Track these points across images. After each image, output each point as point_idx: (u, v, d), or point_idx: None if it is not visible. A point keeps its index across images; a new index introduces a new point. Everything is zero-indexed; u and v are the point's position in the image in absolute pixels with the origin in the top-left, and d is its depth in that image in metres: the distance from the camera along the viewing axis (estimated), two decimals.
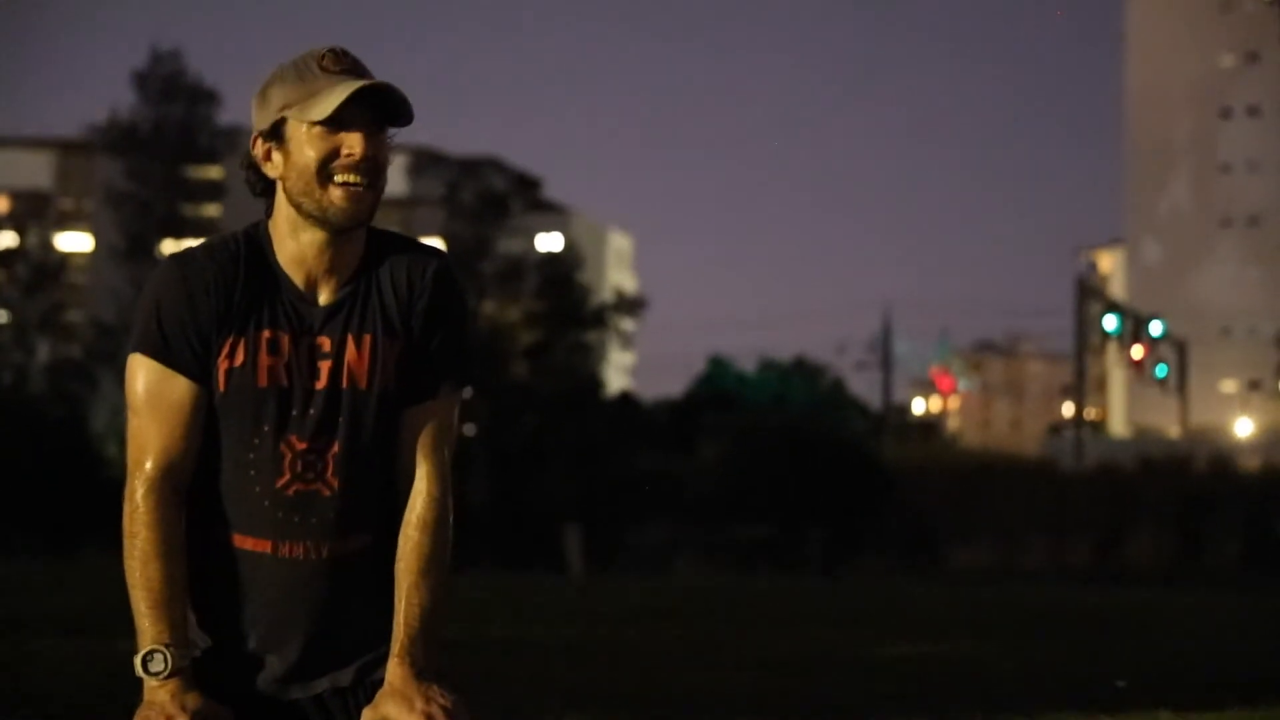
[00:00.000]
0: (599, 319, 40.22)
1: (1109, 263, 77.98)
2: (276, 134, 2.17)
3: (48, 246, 43.78)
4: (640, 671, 8.07)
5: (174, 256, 2.25)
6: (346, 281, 2.24)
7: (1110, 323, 33.12)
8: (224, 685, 2.21)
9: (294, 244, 2.21)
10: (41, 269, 39.03)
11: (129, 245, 39.92)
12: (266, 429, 2.19)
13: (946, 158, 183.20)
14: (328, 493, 2.19)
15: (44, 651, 6.93)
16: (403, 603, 2.21)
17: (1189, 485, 33.40)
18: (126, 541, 2.16)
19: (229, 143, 41.76)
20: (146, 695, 2.15)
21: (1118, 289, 68.21)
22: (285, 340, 2.19)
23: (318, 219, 2.17)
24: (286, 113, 2.16)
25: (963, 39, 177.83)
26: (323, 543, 2.20)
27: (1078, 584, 23.08)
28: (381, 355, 2.22)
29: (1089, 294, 37.63)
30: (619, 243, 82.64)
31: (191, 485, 2.21)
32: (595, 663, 8.57)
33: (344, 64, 2.15)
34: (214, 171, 48.74)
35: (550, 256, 43.14)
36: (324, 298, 2.23)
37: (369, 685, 2.24)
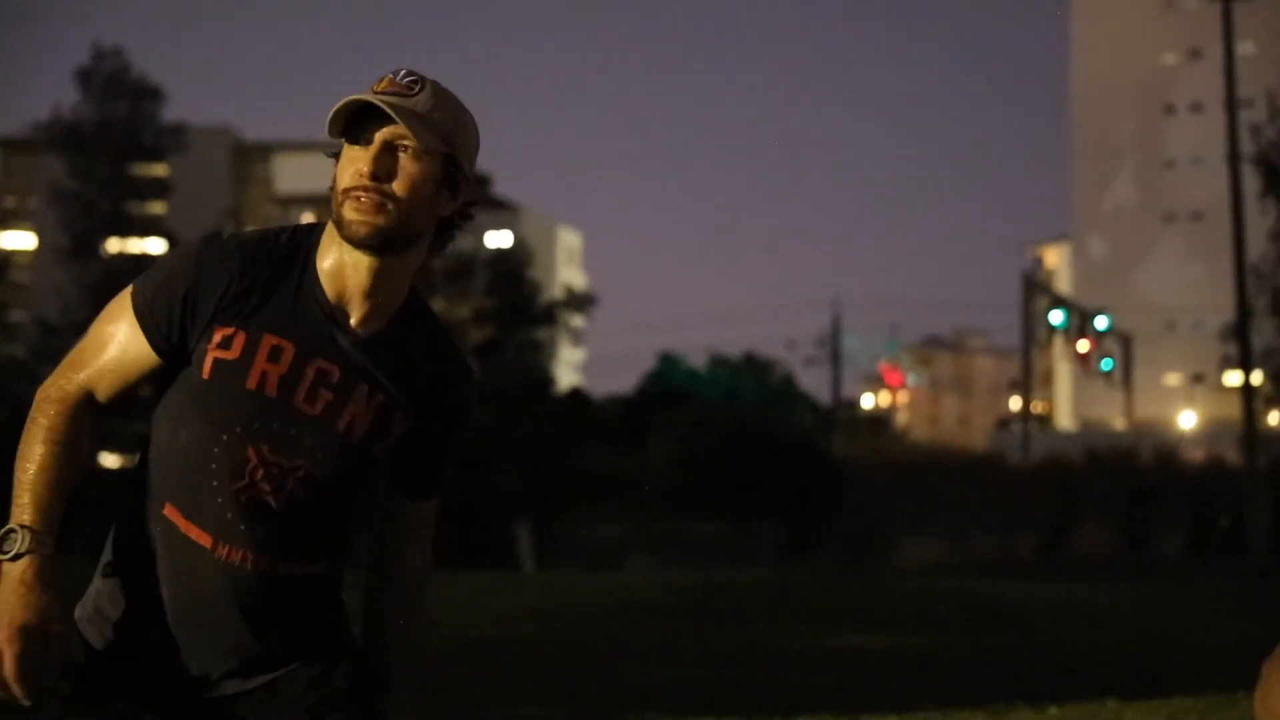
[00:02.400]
0: (549, 316, 40.12)
1: (1055, 258, 78.58)
2: (338, 157, 2.21)
3: None
4: (594, 667, 8.08)
5: (207, 237, 2.26)
6: (381, 323, 2.23)
7: (1056, 317, 33.43)
8: (137, 665, 2.19)
9: (334, 259, 2.21)
10: None
11: (73, 244, 39.45)
12: (239, 430, 2.17)
13: (894, 155, 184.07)
14: (277, 509, 2.18)
15: None
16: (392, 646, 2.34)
17: (1134, 478, 33.74)
18: (26, 427, 2.16)
19: (174, 140, 41.41)
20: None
21: (1064, 284, 68.77)
22: (289, 352, 2.18)
23: (340, 234, 2.18)
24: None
25: (909, 36, 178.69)
26: (262, 556, 2.18)
27: (1026, 577, 23.29)
28: (387, 424, 2.23)
29: (1035, 289, 37.99)
30: (568, 239, 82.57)
31: (156, 460, 2.20)
32: (547, 659, 8.58)
33: (394, 86, 2.16)
34: (159, 169, 48.25)
35: (500, 253, 42.98)
36: (353, 322, 2.22)
37: (271, 693, 2.24)
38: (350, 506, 2.27)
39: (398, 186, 2.15)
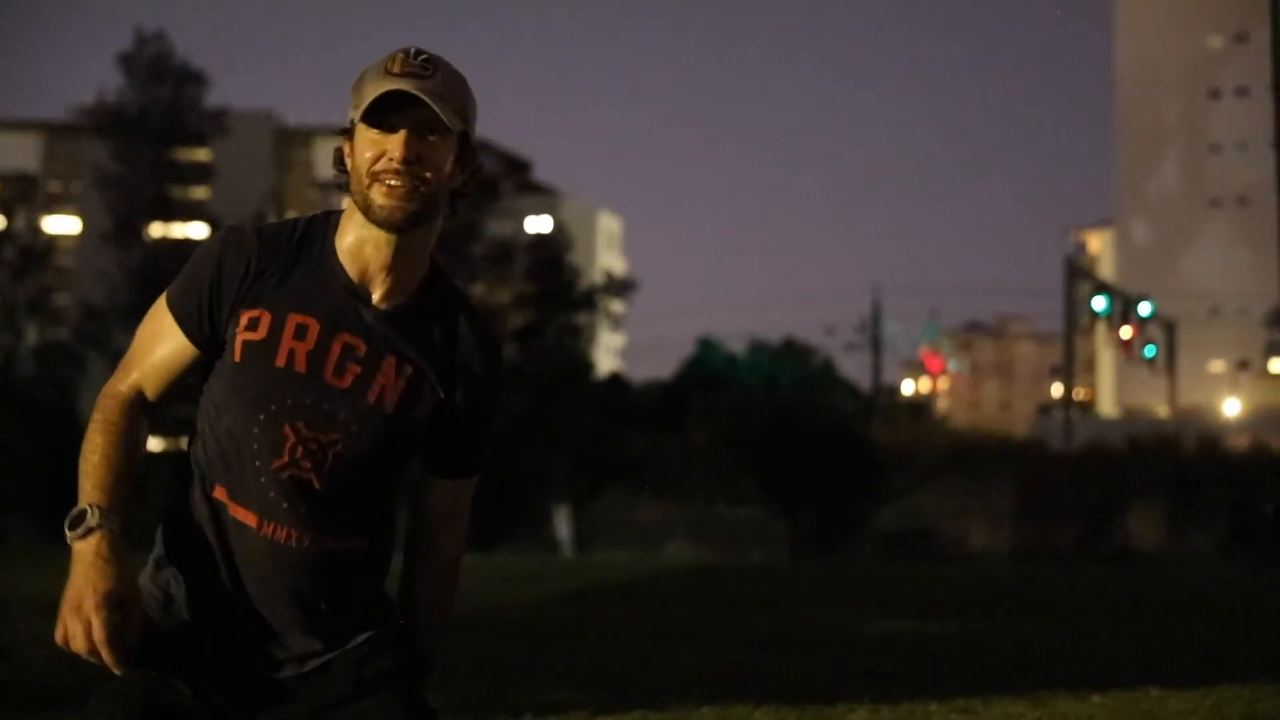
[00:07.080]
0: (589, 301, 40.09)
1: (1098, 243, 77.98)
2: (350, 134, 2.24)
3: (35, 229, 43.44)
4: (631, 651, 8.09)
5: (227, 228, 2.33)
6: (404, 296, 2.27)
7: (1099, 303, 33.13)
8: (197, 646, 2.23)
9: (354, 237, 2.25)
10: (29, 252, 38.77)
11: (117, 228, 39.75)
12: (274, 408, 2.21)
13: (936, 140, 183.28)
14: (319, 485, 2.22)
15: (29, 632, 6.96)
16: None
17: (1177, 465, 33.46)
18: (89, 426, 2.26)
19: (217, 125, 41.65)
20: (73, 559, 2.14)
21: (1107, 270, 68.25)
22: (314, 328, 2.22)
23: (367, 217, 2.23)
24: (353, 114, 2.23)
25: (953, 21, 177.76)
26: (306, 533, 2.22)
27: (1067, 564, 23.17)
28: (418, 394, 2.26)
29: (1078, 275, 37.65)
30: (609, 224, 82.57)
31: (203, 447, 2.27)
32: (586, 642, 8.59)
33: (410, 67, 2.18)
34: (202, 154, 48.55)
35: (540, 238, 43.04)
36: (376, 298, 2.26)
37: (321, 672, 2.27)
38: (390, 481, 2.30)
39: (428, 170, 2.19)
